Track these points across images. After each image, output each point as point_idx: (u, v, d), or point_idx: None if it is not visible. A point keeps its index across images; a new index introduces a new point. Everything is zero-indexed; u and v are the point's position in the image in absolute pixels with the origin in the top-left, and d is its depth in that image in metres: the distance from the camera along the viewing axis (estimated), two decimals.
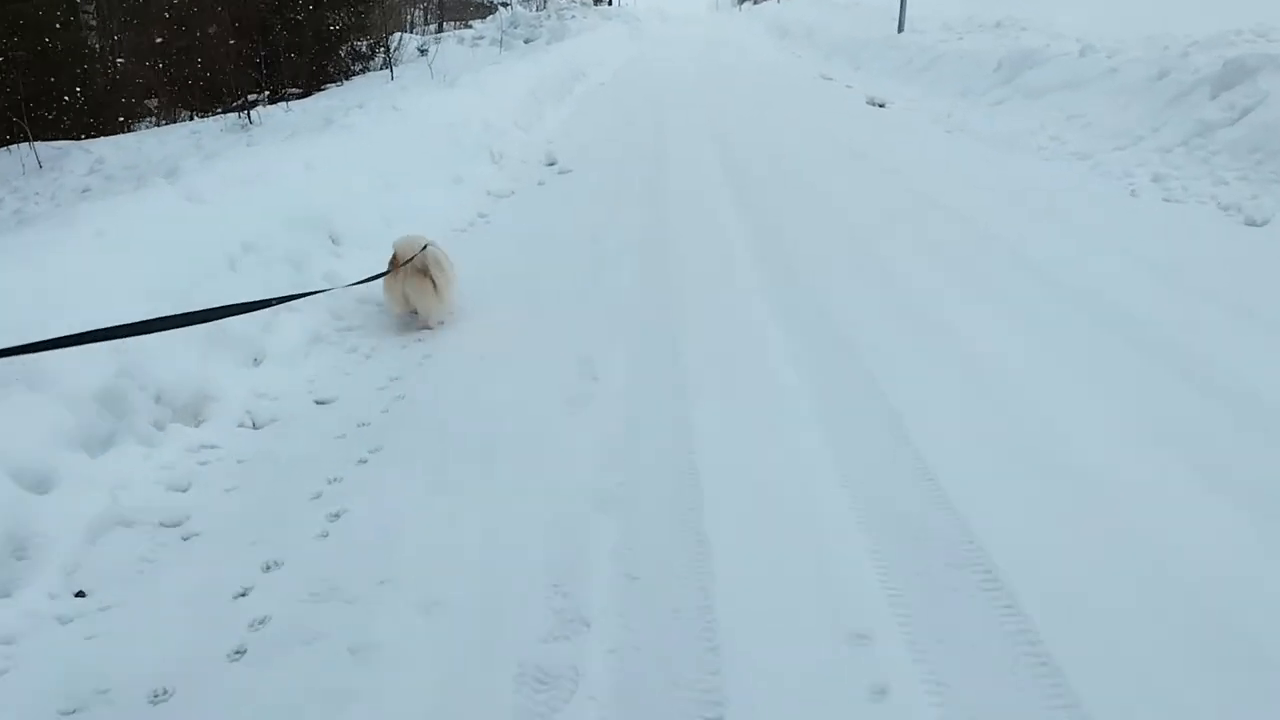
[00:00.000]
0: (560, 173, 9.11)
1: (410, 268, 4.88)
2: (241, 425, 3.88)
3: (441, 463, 3.51)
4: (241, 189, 5.48)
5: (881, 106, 13.36)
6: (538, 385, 4.19)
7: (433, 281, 4.85)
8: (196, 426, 3.78)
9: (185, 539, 3.07)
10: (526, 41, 22.52)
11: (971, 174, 8.53)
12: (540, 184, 8.68)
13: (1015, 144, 9.78)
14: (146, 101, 18.37)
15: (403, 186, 7.27)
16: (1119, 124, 9.48)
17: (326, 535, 3.05)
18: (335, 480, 3.41)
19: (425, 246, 4.94)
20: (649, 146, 10.49)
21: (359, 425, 3.88)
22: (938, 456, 3.40)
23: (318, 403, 4.15)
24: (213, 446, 3.66)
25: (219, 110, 15.93)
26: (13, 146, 12.87)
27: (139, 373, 3.67)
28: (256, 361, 4.39)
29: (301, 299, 4.38)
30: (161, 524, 3.13)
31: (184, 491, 3.35)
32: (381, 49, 20.00)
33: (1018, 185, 7.93)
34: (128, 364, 3.64)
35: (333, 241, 5.82)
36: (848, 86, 15.74)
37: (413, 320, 5.06)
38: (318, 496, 3.30)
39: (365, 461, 3.56)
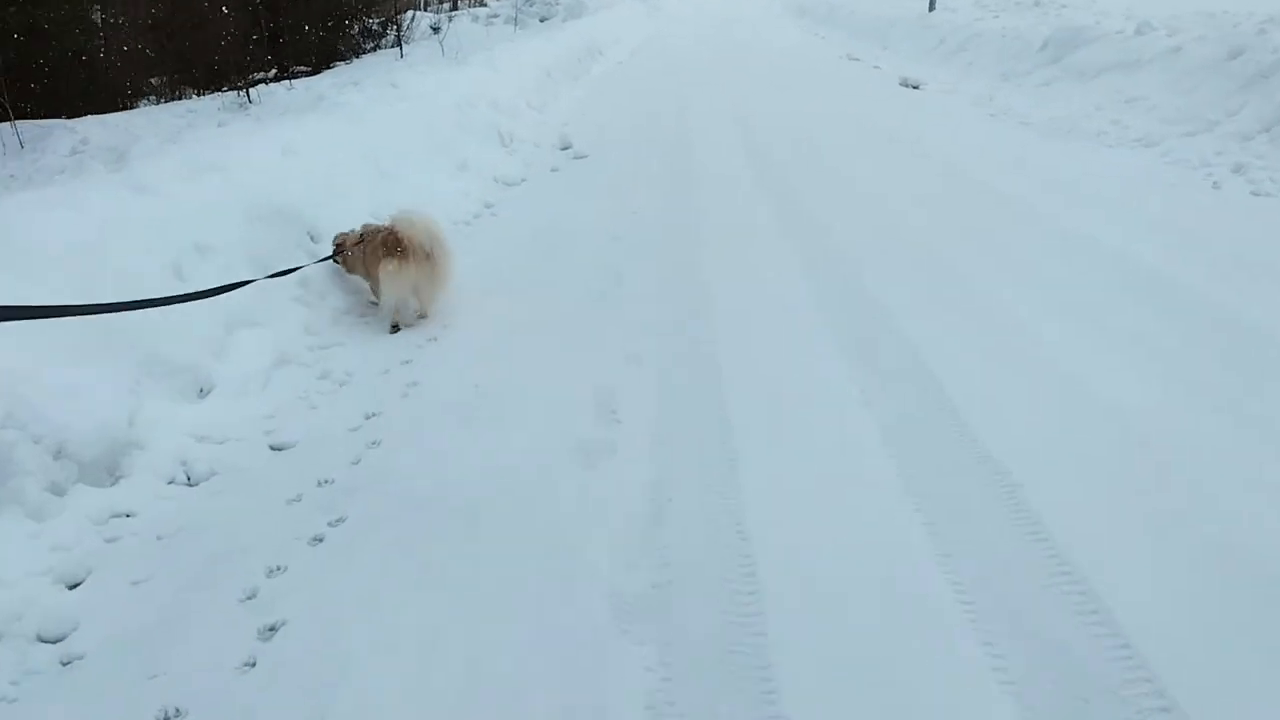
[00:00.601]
0: (576, 158, 8.24)
1: (420, 252, 4.26)
2: (172, 482, 3.06)
3: (416, 548, 2.68)
4: (201, 177, 4.63)
5: (915, 88, 12.44)
6: (545, 428, 3.36)
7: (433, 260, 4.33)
8: (112, 485, 2.96)
9: (65, 663, 2.26)
10: (542, 20, 21.64)
11: (1027, 163, 7.59)
12: (554, 170, 7.83)
13: (1069, 129, 8.87)
14: (150, 80, 17.54)
15: (399, 173, 6.41)
16: (1187, 107, 8.59)
17: (252, 665, 2.23)
18: (278, 571, 2.59)
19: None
20: (670, 130, 9.58)
21: (320, 484, 3.06)
22: (1075, 545, 2.56)
23: (273, 449, 3.33)
24: (128, 515, 2.85)
25: (223, 88, 15.13)
26: None
27: (34, 420, 2.83)
28: (202, 393, 3.56)
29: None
30: (39, 637, 2.33)
31: (76, 587, 2.54)
32: (393, 26, 19.17)
33: (1079, 176, 7.01)
34: (16, 409, 2.80)
35: (311, 239, 4.99)
36: (876, 67, 14.81)
37: (401, 333, 4.35)
38: (251, 597, 2.48)
39: (321, 541, 2.74)
